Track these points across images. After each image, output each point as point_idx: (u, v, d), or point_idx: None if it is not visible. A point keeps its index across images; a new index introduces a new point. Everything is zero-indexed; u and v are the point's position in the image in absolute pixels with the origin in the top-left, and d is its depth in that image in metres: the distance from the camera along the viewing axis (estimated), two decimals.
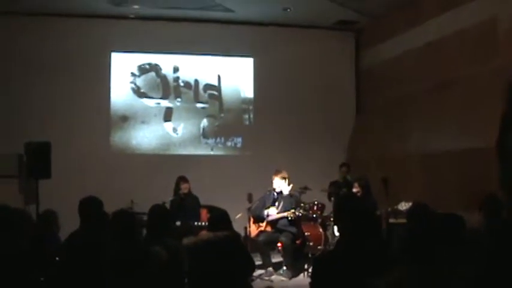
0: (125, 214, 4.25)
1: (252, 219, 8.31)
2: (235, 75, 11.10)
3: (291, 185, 8.13)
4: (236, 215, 7.74)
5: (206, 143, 10.88)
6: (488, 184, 7.10)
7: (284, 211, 7.93)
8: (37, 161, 8.57)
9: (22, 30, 9.89)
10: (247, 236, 8.28)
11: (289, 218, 7.86)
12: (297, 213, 7.82)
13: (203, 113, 10.91)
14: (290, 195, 8.12)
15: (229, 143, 10.99)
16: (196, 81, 10.93)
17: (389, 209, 7.47)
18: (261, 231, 8.10)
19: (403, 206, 7.18)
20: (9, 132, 9.46)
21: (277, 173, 8.13)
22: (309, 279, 3.43)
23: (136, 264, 3.90)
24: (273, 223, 8.05)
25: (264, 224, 8.12)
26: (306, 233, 8.26)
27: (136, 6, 9.94)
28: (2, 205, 3.76)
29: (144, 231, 4.62)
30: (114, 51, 10.52)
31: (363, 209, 3.45)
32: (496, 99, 7.39)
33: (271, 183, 8.18)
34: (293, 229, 8.01)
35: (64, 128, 9.85)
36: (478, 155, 7.61)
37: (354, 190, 8.05)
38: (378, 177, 8.20)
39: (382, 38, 10.55)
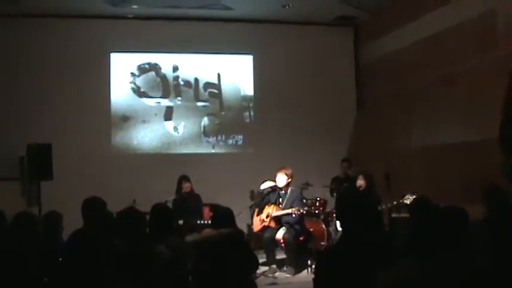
0: (132, 211, 4.23)
1: (255, 212, 8.24)
2: (235, 73, 11.09)
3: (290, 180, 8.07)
4: (238, 213, 7.72)
5: (207, 142, 10.88)
6: (492, 176, 7.08)
7: (290, 207, 7.87)
8: (39, 162, 8.60)
9: (21, 32, 9.87)
10: (250, 233, 8.25)
11: (293, 216, 7.81)
12: (301, 210, 7.79)
13: (204, 111, 10.91)
14: (294, 190, 8.08)
15: (230, 141, 10.99)
16: (196, 79, 10.92)
17: (394, 203, 7.42)
18: (265, 227, 8.06)
19: (409, 199, 7.11)
20: (11, 135, 9.47)
21: (280, 169, 8.09)
22: (312, 276, 3.42)
23: (142, 263, 3.89)
24: (278, 219, 8.01)
25: (268, 219, 8.08)
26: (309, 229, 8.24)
27: (135, 6, 9.92)
28: None
29: (147, 231, 4.61)
30: (113, 51, 10.51)
31: (364, 203, 3.44)
32: (498, 91, 7.37)
33: (275, 180, 8.14)
34: (297, 226, 7.97)
35: (65, 129, 9.85)
36: (481, 147, 7.59)
37: (359, 182, 7.98)
38: (380, 172, 8.18)
39: (381, 33, 10.52)
